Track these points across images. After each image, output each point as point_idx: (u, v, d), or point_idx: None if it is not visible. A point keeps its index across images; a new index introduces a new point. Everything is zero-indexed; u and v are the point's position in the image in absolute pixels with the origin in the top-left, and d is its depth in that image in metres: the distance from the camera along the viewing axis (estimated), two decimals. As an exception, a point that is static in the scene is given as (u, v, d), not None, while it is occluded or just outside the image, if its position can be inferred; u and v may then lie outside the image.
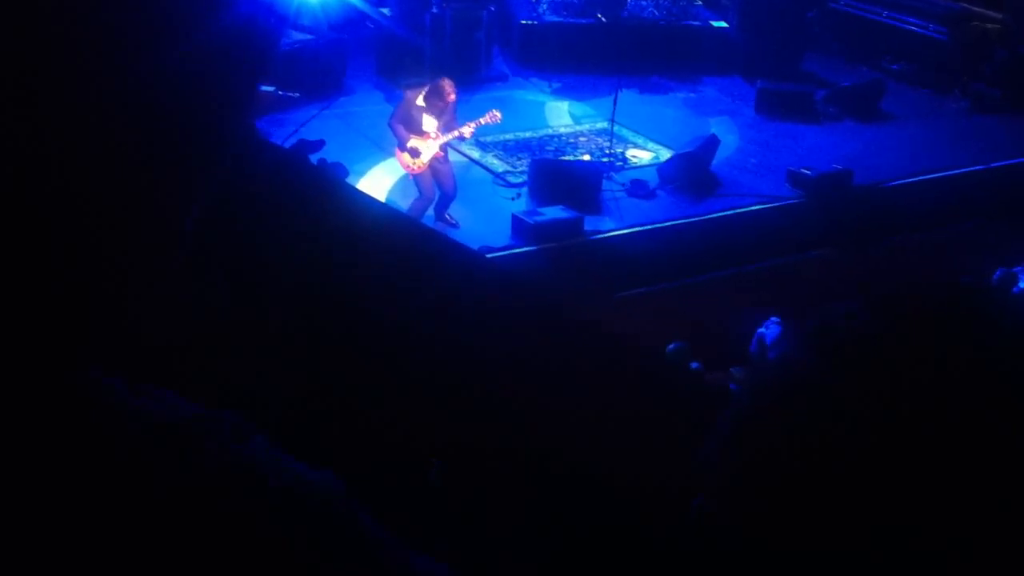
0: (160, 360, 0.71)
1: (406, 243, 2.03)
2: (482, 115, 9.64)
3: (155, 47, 0.56)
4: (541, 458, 1.81)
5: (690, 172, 10.65)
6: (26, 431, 0.57)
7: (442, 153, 9.42)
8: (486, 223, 9.72)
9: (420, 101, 9.33)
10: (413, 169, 9.34)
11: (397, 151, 9.44)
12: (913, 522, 0.67)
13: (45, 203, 0.54)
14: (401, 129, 9.31)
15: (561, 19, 13.71)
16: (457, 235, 8.70)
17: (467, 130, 9.51)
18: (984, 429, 0.67)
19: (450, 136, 9.42)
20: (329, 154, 8.88)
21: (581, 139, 11.89)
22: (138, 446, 0.60)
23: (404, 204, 9.35)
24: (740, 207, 10.43)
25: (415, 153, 9.28)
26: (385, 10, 13.47)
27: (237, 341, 1.57)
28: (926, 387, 0.69)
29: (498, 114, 9.77)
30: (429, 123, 9.35)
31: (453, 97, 9.40)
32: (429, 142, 9.32)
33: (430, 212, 9.51)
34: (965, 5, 14.33)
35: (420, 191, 9.46)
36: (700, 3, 14.70)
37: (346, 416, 1.63)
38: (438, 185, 9.49)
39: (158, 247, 0.62)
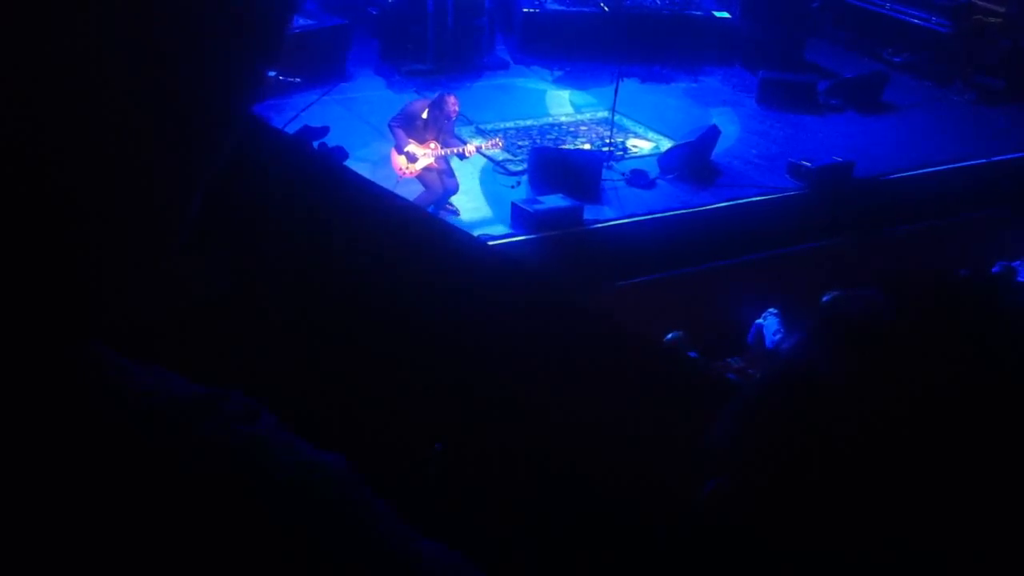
0: (158, 351, 0.70)
1: (408, 230, 2.02)
2: (488, 139, 10.05)
3: (159, 27, 0.55)
4: (542, 455, 1.81)
5: (690, 162, 10.63)
6: (24, 418, 0.56)
7: (436, 165, 9.54)
8: (486, 211, 9.73)
9: (424, 114, 9.51)
10: (405, 173, 9.47)
11: (393, 152, 9.55)
12: (921, 521, 0.67)
13: (47, 189, 0.54)
14: (401, 133, 9.46)
15: (563, 7, 13.67)
16: (457, 223, 8.71)
17: (469, 148, 9.71)
18: (995, 427, 0.67)
19: (448, 151, 9.58)
20: (330, 140, 8.87)
21: (582, 128, 11.86)
22: (139, 434, 0.59)
23: (406, 195, 9.40)
24: (740, 198, 10.42)
25: (412, 158, 9.44)
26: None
27: (236, 335, 1.57)
28: (939, 383, 0.68)
29: (500, 143, 10.11)
30: (430, 135, 9.51)
31: (455, 113, 9.63)
32: (427, 151, 9.44)
33: (431, 199, 9.60)
34: (968, -3, 14.31)
35: (425, 186, 9.54)
36: (703, -8, 14.68)
37: (345, 413, 1.63)
38: (441, 182, 9.59)
39: (160, 234, 0.61)
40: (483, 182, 10.34)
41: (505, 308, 2.04)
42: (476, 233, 8.48)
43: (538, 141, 11.27)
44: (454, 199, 9.69)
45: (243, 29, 0.59)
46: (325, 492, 0.62)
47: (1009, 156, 11.85)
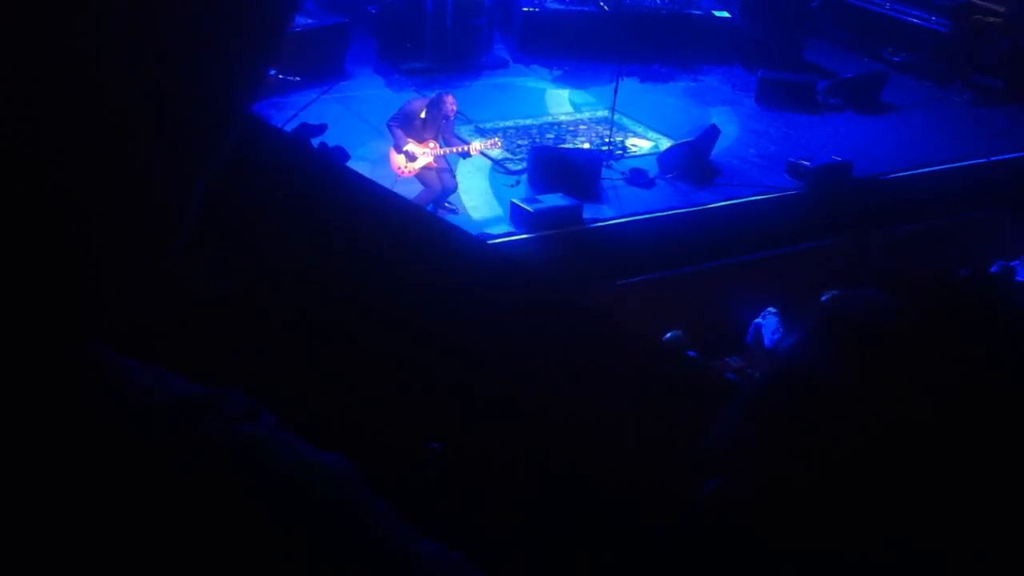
0: (158, 351, 0.70)
1: (408, 230, 2.02)
2: (487, 139, 10.11)
3: (159, 27, 0.55)
4: (542, 455, 1.80)
5: (690, 161, 10.64)
6: (25, 418, 0.56)
7: (435, 164, 9.56)
8: (485, 210, 9.74)
9: (423, 114, 9.57)
10: (404, 172, 9.48)
11: (392, 151, 9.57)
12: (921, 521, 0.67)
13: (47, 189, 0.54)
14: (399, 132, 9.51)
15: (563, 6, 13.67)
16: (456, 221, 8.72)
17: (471, 148, 9.77)
18: (995, 426, 0.67)
19: (448, 151, 9.64)
20: (329, 139, 8.88)
21: (581, 127, 11.87)
22: (139, 434, 0.59)
23: (405, 194, 9.42)
24: (739, 197, 10.43)
25: (411, 157, 9.48)
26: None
27: (236, 335, 1.56)
28: (939, 383, 0.68)
29: (499, 143, 10.17)
30: (428, 135, 9.55)
31: (454, 113, 9.69)
32: (426, 151, 9.47)
33: (429, 198, 9.61)
34: (968, -3, 14.31)
35: (424, 185, 9.56)
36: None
37: (345, 413, 1.63)
38: (440, 181, 9.62)
39: (160, 234, 0.61)
40: (483, 181, 10.35)
41: (505, 308, 2.04)
42: (474, 232, 8.49)
43: (537, 140, 11.27)
44: (452, 197, 9.72)
45: (243, 29, 0.59)
46: (325, 492, 0.62)
47: (1008, 156, 11.85)
